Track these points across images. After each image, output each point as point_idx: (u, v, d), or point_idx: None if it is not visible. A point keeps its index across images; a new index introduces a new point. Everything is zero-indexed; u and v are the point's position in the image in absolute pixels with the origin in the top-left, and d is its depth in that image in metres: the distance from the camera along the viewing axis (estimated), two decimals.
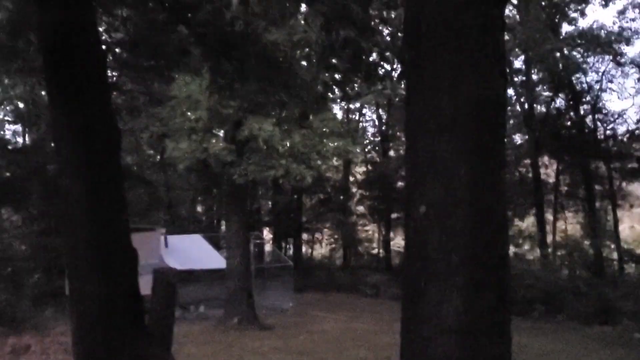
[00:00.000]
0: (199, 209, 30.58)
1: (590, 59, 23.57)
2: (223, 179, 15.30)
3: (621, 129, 24.41)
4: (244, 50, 5.69)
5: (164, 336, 3.84)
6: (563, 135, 24.09)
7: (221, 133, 15.11)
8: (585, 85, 24.17)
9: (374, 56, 4.86)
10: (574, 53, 23.09)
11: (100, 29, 7.28)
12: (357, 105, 28.89)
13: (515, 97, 24.86)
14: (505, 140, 2.82)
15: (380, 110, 30.69)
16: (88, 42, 3.74)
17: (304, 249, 30.33)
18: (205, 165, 15.86)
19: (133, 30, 5.94)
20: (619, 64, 22.98)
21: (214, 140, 13.93)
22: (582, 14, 23.22)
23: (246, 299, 15.20)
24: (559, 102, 25.27)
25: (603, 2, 22.61)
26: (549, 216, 25.45)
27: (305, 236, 30.46)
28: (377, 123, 31.95)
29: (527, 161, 25.23)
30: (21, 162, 19.67)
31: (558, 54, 22.32)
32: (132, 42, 6.75)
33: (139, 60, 8.13)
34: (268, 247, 27.86)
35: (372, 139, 31.95)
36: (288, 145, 13.57)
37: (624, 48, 22.57)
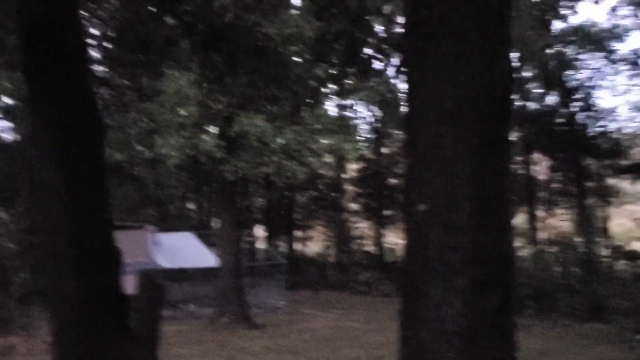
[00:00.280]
0: (190, 206, 30.34)
1: (582, 56, 23.54)
2: (213, 176, 15.11)
3: (612, 126, 24.40)
4: (233, 42, 5.52)
5: (149, 339, 3.68)
6: (554, 132, 24.07)
7: (211, 129, 14.91)
8: (576, 82, 24.15)
9: (369, 51, 4.70)
10: (566, 50, 23.04)
11: (85, 22, 7.09)
12: (350, 102, 28.75)
13: None
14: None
15: (373, 107, 30.54)
16: (68, 32, 3.58)
17: (296, 246, 30.19)
18: (196, 162, 15.65)
19: (119, 20, 5.76)
20: (611, 61, 22.96)
21: (204, 137, 13.71)
22: (574, 10, 23.16)
23: (237, 298, 15.02)
24: (551, 99, 25.25)
25: None
26: (541, 213, 25.44)
27: (297, 233, 30.31)
28: (370, 120, 31.82)
29: (519, 158, 25.20)
30: (9, 159, 19.37)
31: (549, 51, 22.27)
32: (119, 34, 6.55)
33: (127, 54, 7.95)
34: (260, 245, 27.71)
35: (365, 135, 31.80)
36: (280, 141, 13.39)
37: (616, 45, 22.56)
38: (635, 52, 22.46)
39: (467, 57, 2.50)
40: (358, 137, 29.50)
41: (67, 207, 3.50)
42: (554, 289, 15.61)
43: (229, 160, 13.87)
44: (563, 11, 23.27)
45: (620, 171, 22.85)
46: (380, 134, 30.37)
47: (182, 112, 13.50)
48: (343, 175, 30.25)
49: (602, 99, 37.11)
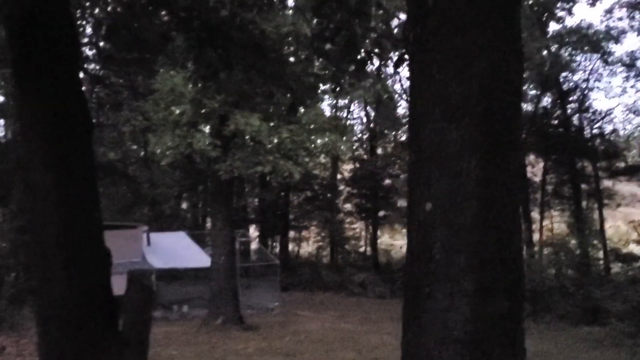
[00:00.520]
0: (184, 206, 30.17)
1: (578, 58, 23.55)
2: (208, 175, 14.96)
3: (608, 128, 24.43)
4: (229, 38, 5.40)
5: (139, 343, 3.55)
6: (550, 133, 24.04)
7: (206, 128, 14.77)
8: (572, 84, 24.15)
9: (367, 47, 4.59)
10: (562, 52, 23.04)
11: (78, 19, 6.96)
12: (345, 102, 28.68)
13: None
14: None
15: (368, 108, 30.50)
16: (59, 27, 3.48)
17: (290, 247, 30.06)
18: (190, 161, 15.51)
19: (113, 16, 5.62)
20: (606, 63, 22.96)
21: (198, 135, 13.56)
22: (570, 12, 23.17)
23: (231, 299, 14.87)
24: (546, 100, 25.24)
25: (590, 1, 22.56)
26: (536, 215, 25.40)
27: (291, 234, 30.18)
28: (365, 121, 31.78)
29: None
30: (2, 157, 19.16)
31: (545, 52, 22.25)
32: (112, 30, 6.40)
33: (120, 51, 7.81)
34: (254, 245, 27.57)
35: (360, 136, 31.75)
36: (276, 141, 13.26)
37: (612, 47, 22.58)
38: (630, 54, 22.47)
39: (475, 51, 2.38)
40: (353, 137, 29.48)
41: (56, 207, 3.40)
42: (548, 292, 15.55)
43: (224, 160, 13.73)
44: (559, 13, 23.28)
45: (615, 173, 22.86)
46: (374, 134, 30.28)
47: (177, 110, 13.35)
48: (338, 176, 30.15)
49: (598, 101, 37.19)
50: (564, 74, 23.66)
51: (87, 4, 6.51)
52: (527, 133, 23.94)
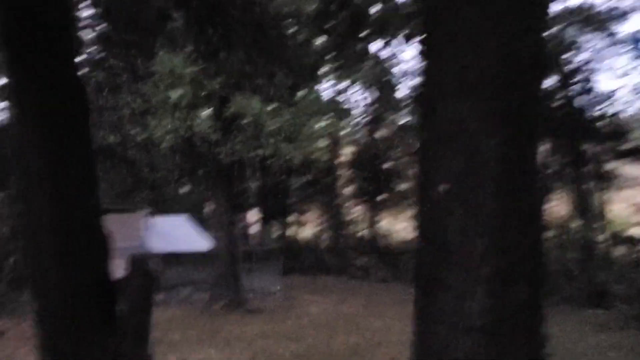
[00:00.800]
0: (185, 189, 30.04)
1: (581, 38, 23.23)
2: (209, 159, 14.80)
3: (612, 109, 24.16)
4: (230, 16, 5.23)
5: (139, 332, 3.42)
6: (552, 115, 23.80)
7: (206, 110, 14.57)
8: (575, 65, 23.85)
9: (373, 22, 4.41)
10: (565, 31, 22.72)
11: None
12: (345, 84, 28.40)
13: None
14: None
15: (368, 91, 30.20)
16: (52, 3, 3.32)
17: (290, 230, 29.99)
18: (190, 145, 15.33)
19: None
20: (611, 43, 22.66)
21: (198, 118, 13.37)
22: None
23: (233, 282, 14.80)
24: (549, 81, 24.94)
25: None
26: None
27: (292, 218, 30.10)
28: (364, 104, 31.48)
29: None
30: (1, 140, 19.00)
31: (547, 32, 21.93)
32: (110, 10, 6.26)
33: (119, 33, 7.66)
34: (255, 229, 27.51)
35: (359, 119, 31.48)
36: (277, 124, 13.07)
37: (616, 26, 22.26)
38: (635, 33, 22.17)
39: (493, 19, 2.22)
40: (353, 120, 29.27)
41: (49, 192, 3.26)
42: (553, 275, 15.46)
43: (225, 143, 13.57)
44: None
45: (619, 155, 22.67)
46: (375, 117, 30.04)
47: (176, 93, 13.13)
48: (338, 159, 29.97)
49: (602, 82, 36.83)
50: (567, 55, 23.34)
51: None
52: None
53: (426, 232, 2.38)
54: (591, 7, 22.39)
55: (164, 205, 23.35)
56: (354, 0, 3.91)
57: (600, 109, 23.94)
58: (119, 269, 3.61)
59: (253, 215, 29.08)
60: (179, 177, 27.23)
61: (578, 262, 16.57)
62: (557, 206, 25.64)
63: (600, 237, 20.73)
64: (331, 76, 15.96)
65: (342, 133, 17.61)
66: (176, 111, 13.43)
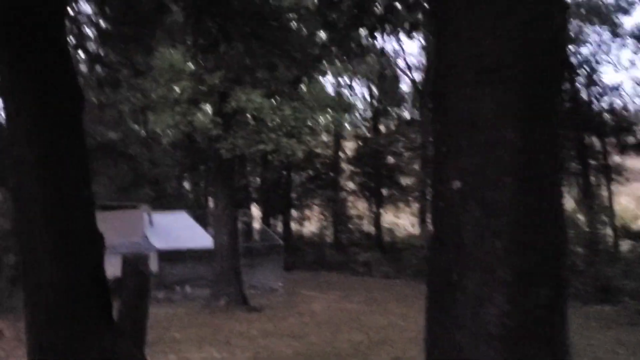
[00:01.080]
0: (186, 185, 29.93)
1: (586, 30, 23.04)
2: (209, 154, 14.64)
3: (617, 103, 23.97)
4: (228, 6, 5.05)
5: (135, 331, 3.29)
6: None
7: (207, 106, 14.41)
8: (580, 58, 23.66)
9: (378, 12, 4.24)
10: (569, 24, 22.51)
11: None
12: (348, 78, 28.23)
13: None
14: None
15: (371, 85, 30.03)
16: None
17: (293, 226, 29.84)
18: (191, 140, 15.19)
19: None
20: (616, 35, 22.44)
21: (199, 113, 13.20)
22: None
23: (234, 279, 14.66)
24: None
25: None
26: None
27: (294, 213, 29.95)
28: (368, 98, 31.31)
29: None
30: (0, 134, 18.89)
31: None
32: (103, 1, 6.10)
33: (115, 25, 7.50)
34: (256, 225, 27.37)
35: (362, 113, 31.31)
36: (278, 118, 12.90)
37: (621, 19, 22.07)
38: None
39: (511, 2, 2.05)
40: (356, 114, 29.08)
41: (40, 183, 3.18)
42: None
43: (226, 138, 13.41)
44: None
45: (625, 148, 22.47)
46: (378, 111, 29.86)
47: (176, 88, 12.97)
48: (340, 154, 29.81)
49: (607, 75, 36.52)
50: (571, 47, 23.14)
51: None
52: None
53: (440, 231, 2.22)
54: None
55: (165, 201, 23.21)
56: None
57: (605, 102, 23.75)
58: (117, 266, 3.50)
59: (255, 211, 28.96)
60: (179, 172, 27.16)
61: (584, 257, 16.39)
62: (563, 200, 25.46)
63: (607, 231, 20.55)
64: (334, 69, 15.77)
65: (345, 128, 17.39)
66: (176, 106, 13.28)
